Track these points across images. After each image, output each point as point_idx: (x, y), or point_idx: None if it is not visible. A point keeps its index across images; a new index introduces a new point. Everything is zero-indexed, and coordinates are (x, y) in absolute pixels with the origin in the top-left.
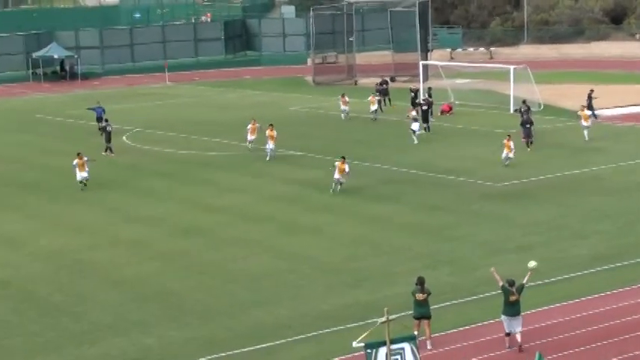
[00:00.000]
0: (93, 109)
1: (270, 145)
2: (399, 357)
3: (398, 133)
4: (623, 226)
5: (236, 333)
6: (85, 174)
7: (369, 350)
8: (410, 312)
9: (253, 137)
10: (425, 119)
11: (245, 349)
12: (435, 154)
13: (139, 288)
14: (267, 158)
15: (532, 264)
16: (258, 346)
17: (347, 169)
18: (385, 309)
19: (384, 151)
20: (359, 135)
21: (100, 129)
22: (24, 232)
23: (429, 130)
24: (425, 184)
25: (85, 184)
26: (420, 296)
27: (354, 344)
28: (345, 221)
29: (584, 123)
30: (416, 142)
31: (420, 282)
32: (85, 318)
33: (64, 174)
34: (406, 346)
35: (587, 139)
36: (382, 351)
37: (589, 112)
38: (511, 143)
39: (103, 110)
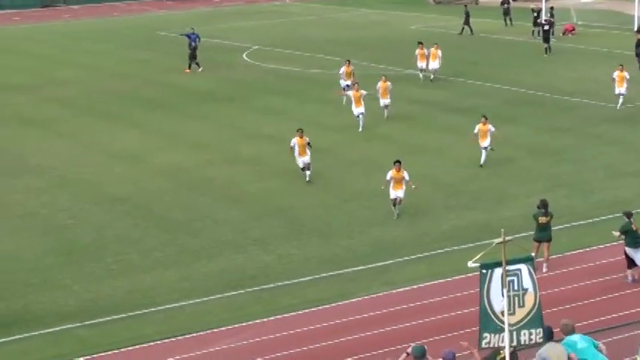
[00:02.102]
0: (187, 36)
1: (384, 102)
2: (515, 278)
3: (519, 53)
4: None
5: (355, 252)
6: (306, 158)
7: (484, 271)
8: (526, 233)
9: (349, 82)
10: (546, 39)
11: (363, 267)
12: (556, 75)
13: (259, 205)
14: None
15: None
16: (375, 264)
17: (406, 177)
18: (502, 230)
19: (505, 71)
20: (479, 55)
21: (189, 57)
22: (143, 149)
23: (550, 51)
24: (546, 105)
25: (308, 171)
26: (542, 219)
27: (470, 264)
28: (466, 142)
29: (617, 89)
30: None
31: (544, 205)
32: (204, 234)
33: (184, 91)
34: (523, 267)
35: (618, 108)
36: (498, 272)
37: (628, 76)
38: (488, 127)
39: (198, 37)
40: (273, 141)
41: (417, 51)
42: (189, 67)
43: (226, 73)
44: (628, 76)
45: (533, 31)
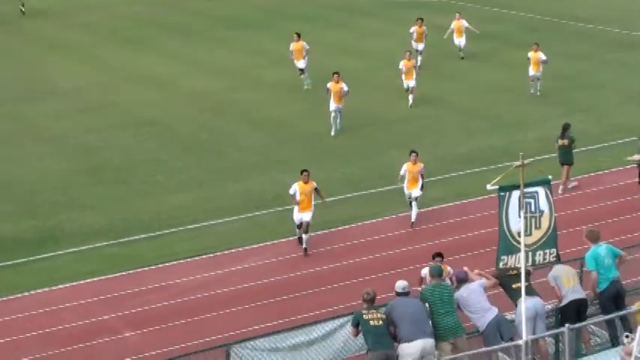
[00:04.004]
0: None
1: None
2: (532, 200)
3: None
4: None
5: (374, 173)
6: (307, 215)
7: (502, 193)
8: (544, 156)
9: (301, 63)
10: None
11: (381, 189)
12: (575, 3)
13: (282, 129)
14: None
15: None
16: (395, 186)
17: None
18: (520, 153)
19: None
20: None
21: None
22: (169, 74)
23: None
24: (564, 31)
25: (305, 235)
26: (560, 142)
27: (488, 187)
28: (487, 67)
29: (532, 72)
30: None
31: (564, 128)
32: (228, 157)
33: (208, 17)
34: (540, 189)
35: (532, 91)
36: (515, 194)
37: (543, 57)
38: (419, 167)
39: None
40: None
41: (414, 28)
42: None
43: None
44: (544, 58)
45: None
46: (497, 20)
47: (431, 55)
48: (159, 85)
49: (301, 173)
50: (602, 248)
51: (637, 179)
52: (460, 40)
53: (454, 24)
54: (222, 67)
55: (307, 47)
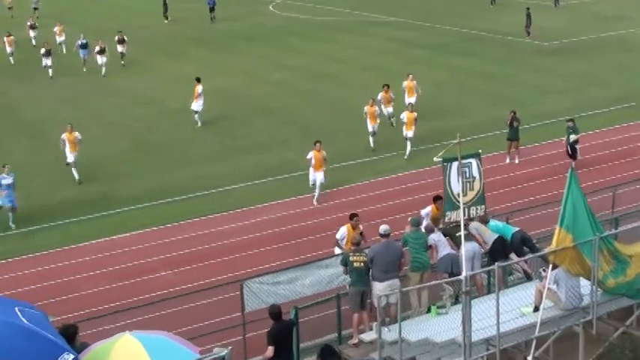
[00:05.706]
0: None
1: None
2: (467, 169)
3: (471, 5)
4: (638, 75)
5: (355, 149)
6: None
7: (445, 163)
8: (476, 136)
9: (198, 104)
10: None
11: (360, 160)
12: (498, 20)
13: (283, 116)
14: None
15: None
16: (369, 159)
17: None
18: (457, 134)
19: (460, 18)
20: (444, 4)
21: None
22: (197, 75)
23: (494, 3)
24: (492, 43)
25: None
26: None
27: (435, 159)
28: (434, 70)
29: (406, 132)
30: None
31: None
32: (243, 137)
33: (225, 33)
34: (473, 161)
35: (407, 155)
36: (455, 164)
37: (413, 109)
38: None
39: (214, 1)
40: (293, 69)
41: (381, 94)
42: (167, 18)
43: (257, 20)
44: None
45: None
46: (441, 34)
47: (390, 61)
48: (190, 83)
49: (351, 218)
50: (492, 221)
51: (565, 149)
52: (411, 99)
53: (406, 83)
54: (237, 70)
55: (201, 90)
